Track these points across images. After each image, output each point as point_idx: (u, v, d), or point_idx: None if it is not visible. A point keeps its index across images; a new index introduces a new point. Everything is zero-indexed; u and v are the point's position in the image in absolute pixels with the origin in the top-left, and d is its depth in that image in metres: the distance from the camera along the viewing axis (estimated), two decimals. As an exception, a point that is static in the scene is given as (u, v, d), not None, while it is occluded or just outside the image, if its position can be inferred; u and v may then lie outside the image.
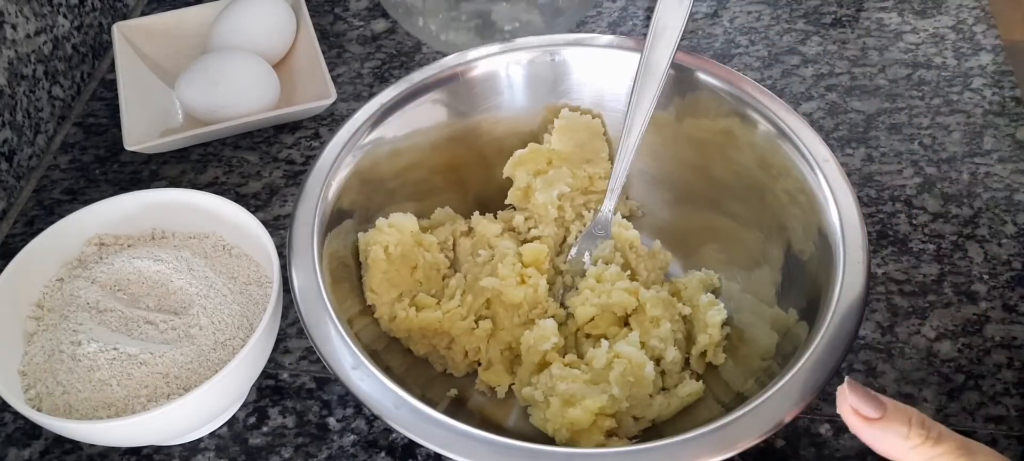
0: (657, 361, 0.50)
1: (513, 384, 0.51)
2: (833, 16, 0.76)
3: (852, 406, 0.37)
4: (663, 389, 0.50)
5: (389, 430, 0.51)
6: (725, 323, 0.51)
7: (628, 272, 0.54)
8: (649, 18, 0.76)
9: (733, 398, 0.47)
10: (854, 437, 0.50)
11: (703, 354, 0.51)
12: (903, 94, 0.69)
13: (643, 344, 0.49)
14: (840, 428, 0.50)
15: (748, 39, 0.74)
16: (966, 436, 0.49)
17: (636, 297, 0.51)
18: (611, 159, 0.57)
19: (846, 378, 0.39)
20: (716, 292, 0.54)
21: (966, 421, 0.51)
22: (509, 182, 0.57)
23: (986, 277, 0.57)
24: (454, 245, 0.57)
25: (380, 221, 0.52)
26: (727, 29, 0.75)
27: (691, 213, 0.57)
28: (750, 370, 0.48)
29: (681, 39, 0.52)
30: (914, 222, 0.60)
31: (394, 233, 0.52)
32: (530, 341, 0.50)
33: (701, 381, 0.50)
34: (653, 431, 0.49)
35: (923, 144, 0.65)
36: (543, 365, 0.50)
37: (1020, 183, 0.62)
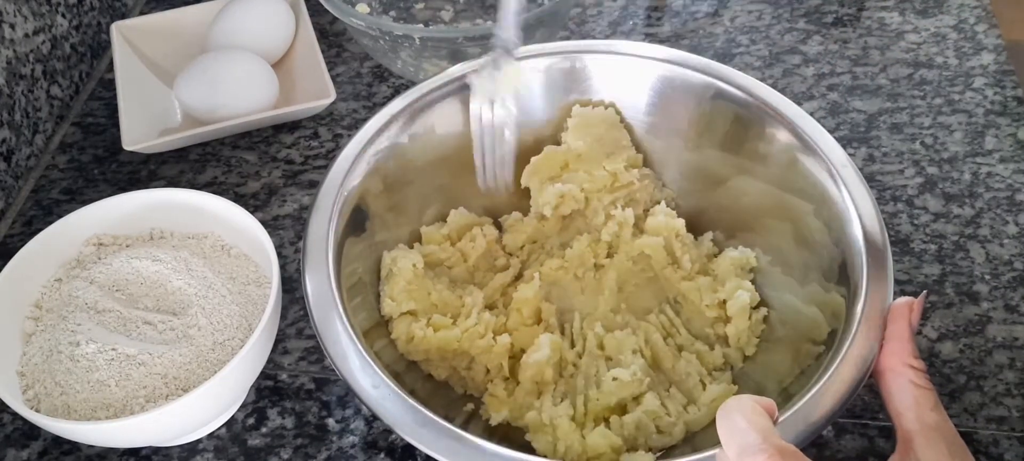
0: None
1: (509, 417, 0.49)
2: (834, 15, 0.75)
3: (913, 319, 0.42)
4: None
5: (388, 431, 0.51)
6: (760, 306, 0.51)
7: (672, 263, 0.53)
8: (649, 18, 0.76)
9: (780, 393, 0.46)
10: (854, 437, 0.50)
11: (736, 343, 0.51)
12: (904, 94, 0.68)
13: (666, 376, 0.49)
14: (841, 429, 0.50)
15: (749, 38, 0.74)
16: (967, 437, 0.50)
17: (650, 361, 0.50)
18: (634, 145, 0.56)
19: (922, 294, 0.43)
20: (754, 273, 0.53)
21: (967, 422, 0.50)
22: (527, 187, 0.56)
23: (988, 277, 0.57)
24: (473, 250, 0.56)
25: (401, 251, 0.52)
26: (728, 28, 0.75)
27: (721, 207, 0.56)
28: (798, 357, 0.47)
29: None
30: (915, 222, 0.60)
31: (416, 256, 0.52)
32: (528, 360, 0.49)
33: (734, 382, 0.49)
34: (686, 440, 0.48)
35: (924, 144, 0.65)
36: (542, 383, 0.49)
37: (1022, 183, 0.62)
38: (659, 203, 0.56)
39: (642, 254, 0.54)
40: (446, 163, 0.55)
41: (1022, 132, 0.65)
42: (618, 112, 0.56)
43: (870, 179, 0.62)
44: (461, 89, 0.54)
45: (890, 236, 0.59)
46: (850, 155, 0.63)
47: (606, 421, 0.47)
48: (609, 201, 0.55)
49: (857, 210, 0.47)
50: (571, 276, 0.54)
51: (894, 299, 0.43)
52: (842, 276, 0.46)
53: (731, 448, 0.35)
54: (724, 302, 0.51)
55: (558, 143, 0.56)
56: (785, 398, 0.42)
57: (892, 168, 0.63)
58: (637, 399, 0.47)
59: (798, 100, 0.68)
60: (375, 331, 0.50)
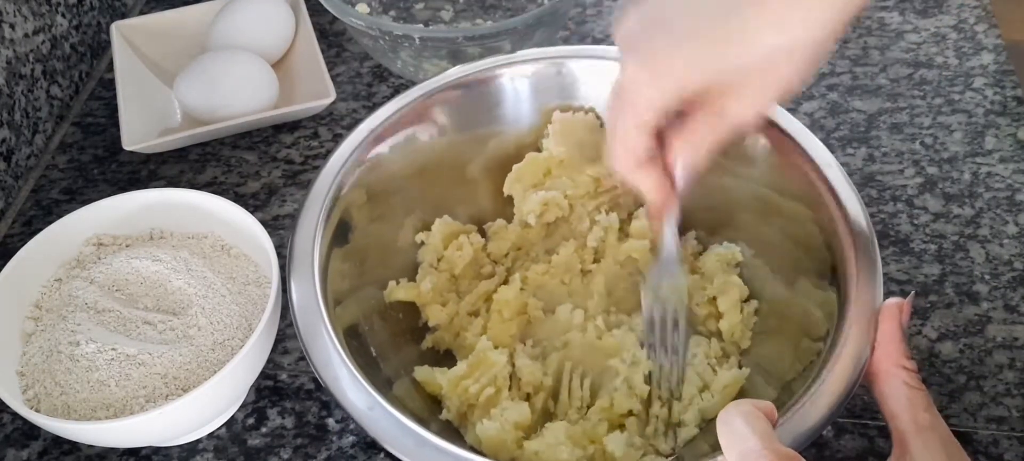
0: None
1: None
2: (834, 15, 0.75)
3: (903, 319, 0.41)
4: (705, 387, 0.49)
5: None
6: (751, 299, 0.51)
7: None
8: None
9: (783, 388, 0.46)
10: (854, 437, 0.50)
11: (730, 337, 0.51)
12: (904, 93, 0.68)
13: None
14: (841, 429, 0.50)
15: (749, 38, 0.74)
16: (967, 437, 0.50)
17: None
18: None
19: (911, 295, 0.43)
20: (740, 267, 0.53)
21: (967, 422, 0.50)
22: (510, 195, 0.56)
23: (987, 277, 0.57)
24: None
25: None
26: (727, 28, 0.75)
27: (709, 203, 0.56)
28: (798, 352, 0.47)
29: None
30: (915, 222, 0.60)
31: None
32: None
33: (743, 367, 0.49)
34: (702, 430, 0.48)
35: (924, 144, 0.65)
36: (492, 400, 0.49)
37: (1021, 183, 0.62)
38: (643, 206, 0.56)
39: (629, 258, 0.54)
40: (430, 172, 0.55)
41: (1022, 132, 0.65)
42: (598, 117, 0.56)
43: (870, 179, 0.62)
44: (444, 96, 0.54)
45: (890, 236, 0.59)
46: (850, 155, 0.64)
47: (620, 427, 0.47)
48: (593, 207, 0.55)
49: (843, 211, 0.47)
50: (557, 281, 0.54)
51: (886, 299, 0.43)
52: (833, 277, 0.46)
53: (732, 453, 0.35)
54: (714, 298, 0.51)
55: (539, 150, 0.56)
56: (788, 394, 0.42)
57: (892, 168, 0.63)
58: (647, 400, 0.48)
59: (798, 100, 0.68)
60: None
